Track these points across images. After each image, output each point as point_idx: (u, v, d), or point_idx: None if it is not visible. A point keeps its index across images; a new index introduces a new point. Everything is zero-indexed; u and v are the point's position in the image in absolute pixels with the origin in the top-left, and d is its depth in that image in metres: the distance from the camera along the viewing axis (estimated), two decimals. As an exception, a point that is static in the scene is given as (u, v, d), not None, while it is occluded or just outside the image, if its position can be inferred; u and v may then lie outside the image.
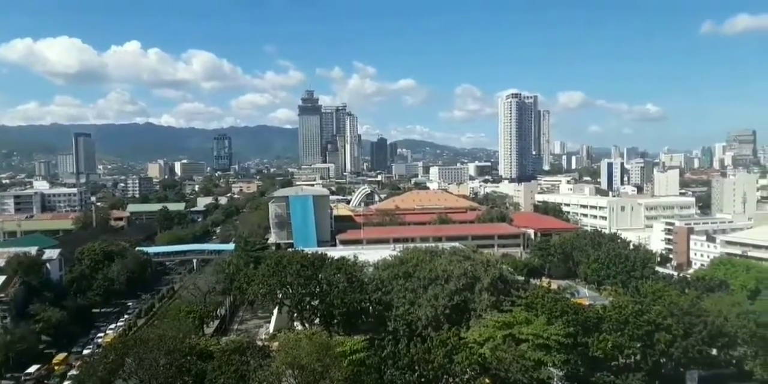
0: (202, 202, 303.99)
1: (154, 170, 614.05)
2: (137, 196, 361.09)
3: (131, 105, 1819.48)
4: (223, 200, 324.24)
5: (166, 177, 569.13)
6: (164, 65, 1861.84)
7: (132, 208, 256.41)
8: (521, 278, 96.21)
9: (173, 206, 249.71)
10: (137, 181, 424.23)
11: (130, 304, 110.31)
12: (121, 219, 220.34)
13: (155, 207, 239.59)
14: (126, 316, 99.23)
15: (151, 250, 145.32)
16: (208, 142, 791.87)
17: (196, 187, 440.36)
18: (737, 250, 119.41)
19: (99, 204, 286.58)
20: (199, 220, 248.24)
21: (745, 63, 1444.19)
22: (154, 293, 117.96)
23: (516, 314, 57.73)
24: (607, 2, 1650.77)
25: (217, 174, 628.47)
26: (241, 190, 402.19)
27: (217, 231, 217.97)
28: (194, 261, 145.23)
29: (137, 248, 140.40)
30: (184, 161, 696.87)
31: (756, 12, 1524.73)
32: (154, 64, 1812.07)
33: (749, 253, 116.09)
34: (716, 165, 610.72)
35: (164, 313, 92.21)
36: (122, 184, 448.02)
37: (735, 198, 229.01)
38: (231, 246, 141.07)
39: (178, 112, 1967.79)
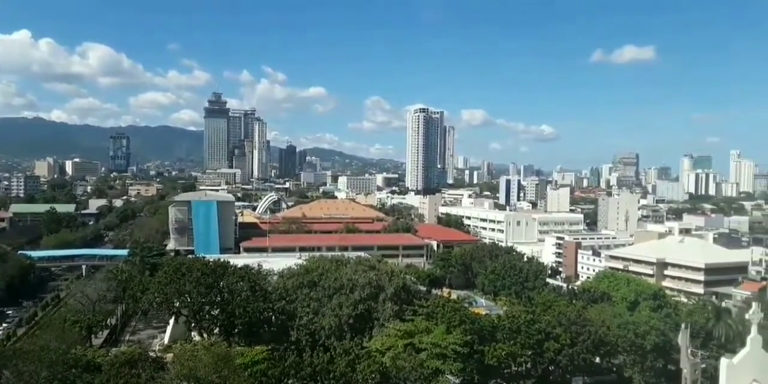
0: (95, 205, 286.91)
1: (42, 168, 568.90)
2: (22, 195, 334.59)
3: (19, 98, 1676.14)
4: (118, 203, 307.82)
5: (55, 176, 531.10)
6: (57, 57, 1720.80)
7: (15, 208, 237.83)
8: (424, 288, 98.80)
9: (62, 207, 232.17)
10: (22, 180, 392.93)
11: (9, 312, 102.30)
12: (2, 220, 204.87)
13: (42, 208, 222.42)
14: (4, 325, 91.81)
15: (36, 254, 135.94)
16: (104, 141, 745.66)
17: (89, 188, 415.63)
18: (619, 265, 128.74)
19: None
20: (91, 223, 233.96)
21: (630, 90, 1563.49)
22: (37, 301, 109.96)
23: (417, 323, 59.26)
24: (505, 30, 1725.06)
25: (112, 175, 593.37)
26: (138, 192, 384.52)
27: (111, 235, 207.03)
28: (83, 267, 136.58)
29: (19, 252, 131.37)
30: (77, 160, 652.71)
31: (641, 44, 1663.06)
32: (45, 56, 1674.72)
33: (630, 268, 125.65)
34: (603, 185, 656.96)
35: (48, 323, 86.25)
36: (5, 183, 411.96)
37: (618, 216, 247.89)
38: (125, 252, 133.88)
39: (70, 108, 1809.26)
